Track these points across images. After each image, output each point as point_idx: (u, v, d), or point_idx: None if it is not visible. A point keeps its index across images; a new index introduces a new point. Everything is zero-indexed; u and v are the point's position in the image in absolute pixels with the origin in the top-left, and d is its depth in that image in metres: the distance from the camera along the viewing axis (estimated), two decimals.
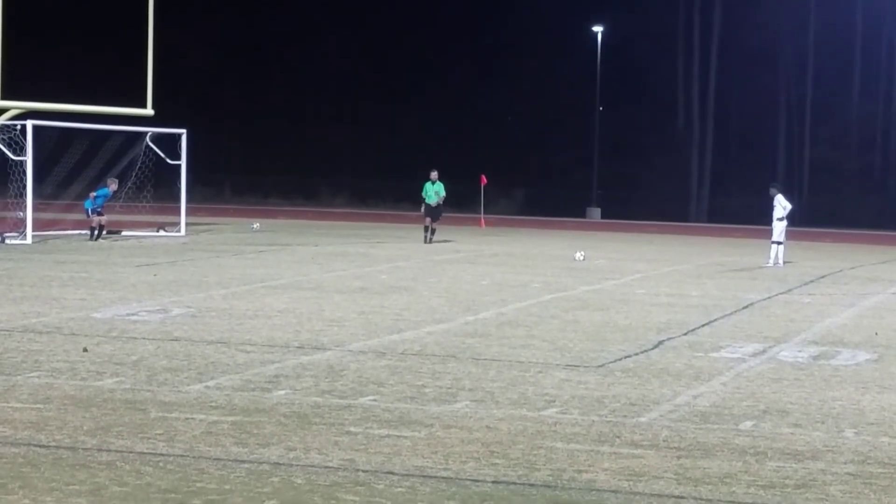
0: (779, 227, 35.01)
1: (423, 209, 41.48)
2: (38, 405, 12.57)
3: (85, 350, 16.13)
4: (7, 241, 36.00)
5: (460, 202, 55.97)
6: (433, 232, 41.07)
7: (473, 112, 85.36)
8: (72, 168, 41.34)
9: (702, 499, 9.85)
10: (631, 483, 10.19)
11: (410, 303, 22.85)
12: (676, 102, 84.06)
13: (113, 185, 39.81)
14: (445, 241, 41.95)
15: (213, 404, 12.83)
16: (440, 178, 41.34)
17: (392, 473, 10.28)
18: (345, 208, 74.26)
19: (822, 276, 32.05)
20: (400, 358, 16.23)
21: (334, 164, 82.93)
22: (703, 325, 20.66)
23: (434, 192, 41.14)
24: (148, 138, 42.80)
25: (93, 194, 39.12)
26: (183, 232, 42.22)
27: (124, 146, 42.52)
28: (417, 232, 46.69)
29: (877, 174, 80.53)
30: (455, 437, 11.59)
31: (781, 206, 35.12)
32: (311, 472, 10.27)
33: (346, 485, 9.92)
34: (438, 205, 41.12)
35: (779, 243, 34.96)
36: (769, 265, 34.57)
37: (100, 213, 38.77)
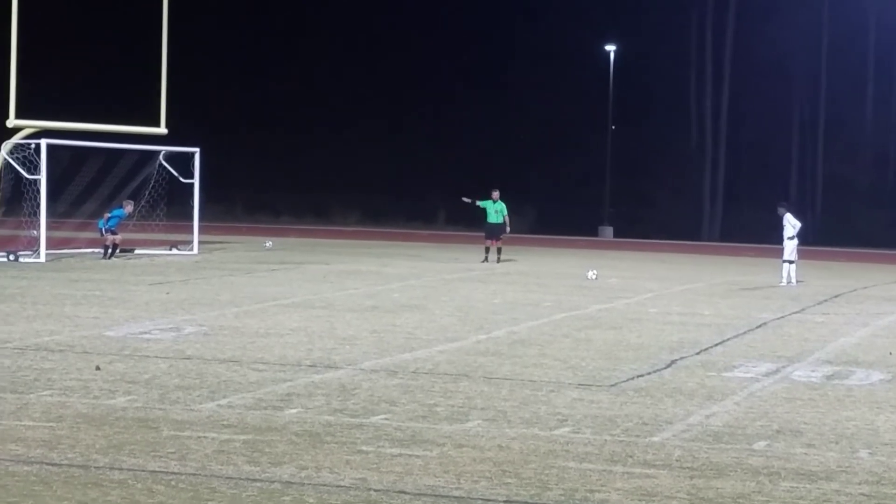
0: (790, 246, 34.98)
1: (485, 229, 41.49)
2: (51, 423, 12.58)
3: (97, 368, 16.14)
4: (21, 260, 36.07)
5: (471, 220, 55.98)
6: (499, 251, 40.98)
7: (485, 130, 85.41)
8: (85, 186, 41.43)
9: None
10: (643, 503, 10.16)
11: (422, 321, 22.84)
12: (689, 120, 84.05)
13: (128, 207, 39.87)
14: (455, 259, 41.99)
15: (225, 423, 12.83)
16: (488, 197, 41.26)
17: (404, 493, 10.26)
18: (357, 226, 74.34)
19: (836, 296, 31.98)
20: (412, 377, 16.22)
21: (346, 183, 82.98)
22: (716, 345, 20.62)
23: (495, 210, 41.02)
24: (161, 157, 42.88)
25: (107, 214, 39.18)
26: (195, 250, 42.26)
27: (138, 165, 42.60)
28: (429, 250, 46.80)
29: (890, 191, 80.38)
30: (467, 457, 11.57)
31: (791, 224, 35.11)
32: (322, 491, 10.26)
33: None
34: (502, 224, 40.96)
35: (790, 262, 34.93)
36: (782, 284, 34.53)
37: (113, 232, 38.84)
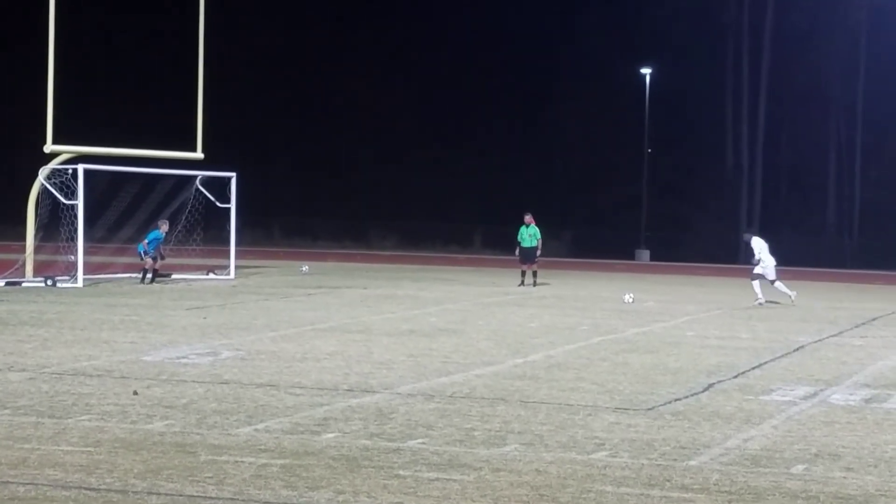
0: (765, 266, 35.34)
1: (517, 253, 41.46)
2: (89, 448, 12.62)
3: (135, 393, 16.19)
4: (59, 285, 36.25)
5: (507, 244, 56.10)
6: (535, 274, 40.99)
7: (521, 155, 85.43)
8: (122, 211, 41.60)
9: None
10: None
11: (459, 345, 22.83)
12: (725, 144, 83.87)
13: (164, 227, 39.98)
14: (492, 283, 41.95)
15: (263, 447, 12.84)
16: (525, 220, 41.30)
17: None
18: (393, 251, 74.43)
19: (874, 319, 31.82)
20: (449, 401, 16.20)
21: (383, 207, 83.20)
22: (753, 368, 20.53)
23: (528, 234, 41.05)
24: (198, 181, 43.00)
25: (144, 239, 39.31)
26: (232, 275, 42.38)
27: (174, 189, 42.76)
28: (465, 274, 46.77)
29: None
30: (504, 481, 11.55)
31: (758, 248, 35.51)
32: None
33: None
34: (535, 248, 40.93)
35: (762, 278, 35.27)
36: (760, 302, 34.89)
37: (153, 257, 38.91)
